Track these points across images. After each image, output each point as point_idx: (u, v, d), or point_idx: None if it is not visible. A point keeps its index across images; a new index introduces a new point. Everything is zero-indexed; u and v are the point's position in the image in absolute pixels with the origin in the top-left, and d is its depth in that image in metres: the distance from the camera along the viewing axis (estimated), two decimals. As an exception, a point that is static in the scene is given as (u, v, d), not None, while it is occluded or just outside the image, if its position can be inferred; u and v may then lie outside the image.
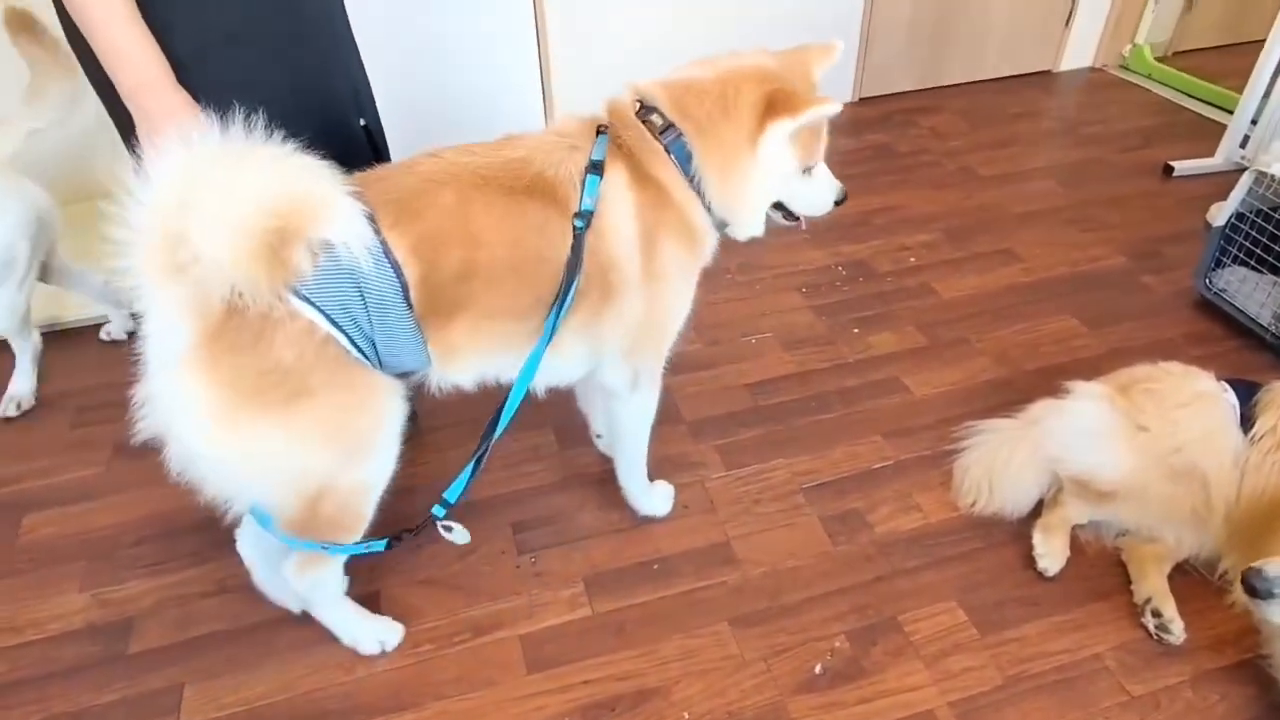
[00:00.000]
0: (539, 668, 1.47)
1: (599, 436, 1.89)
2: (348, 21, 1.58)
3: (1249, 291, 2.17)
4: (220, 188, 1.02)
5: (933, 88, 3.62)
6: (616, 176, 1.30)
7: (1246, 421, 1.58)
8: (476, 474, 1.36)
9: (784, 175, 1.38)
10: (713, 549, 1.68)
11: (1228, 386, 1.64)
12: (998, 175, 2.98)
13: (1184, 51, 3.82)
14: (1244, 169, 2.36)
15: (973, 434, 1.82)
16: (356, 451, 1.27)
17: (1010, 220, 2.72)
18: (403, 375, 1.31)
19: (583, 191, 1.27)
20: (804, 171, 1.39)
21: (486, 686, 1.45)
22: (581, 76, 3.11)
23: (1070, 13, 3.59)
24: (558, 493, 1.80)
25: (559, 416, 1.98)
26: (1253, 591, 1.24)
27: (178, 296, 1.07)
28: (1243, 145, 2.83)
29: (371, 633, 1.51)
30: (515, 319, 1.32)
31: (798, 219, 1.48)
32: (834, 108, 1.29)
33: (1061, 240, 2.60)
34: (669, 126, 1.31)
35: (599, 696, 1.43)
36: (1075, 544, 1.64)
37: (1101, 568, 1.61)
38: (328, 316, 1.14)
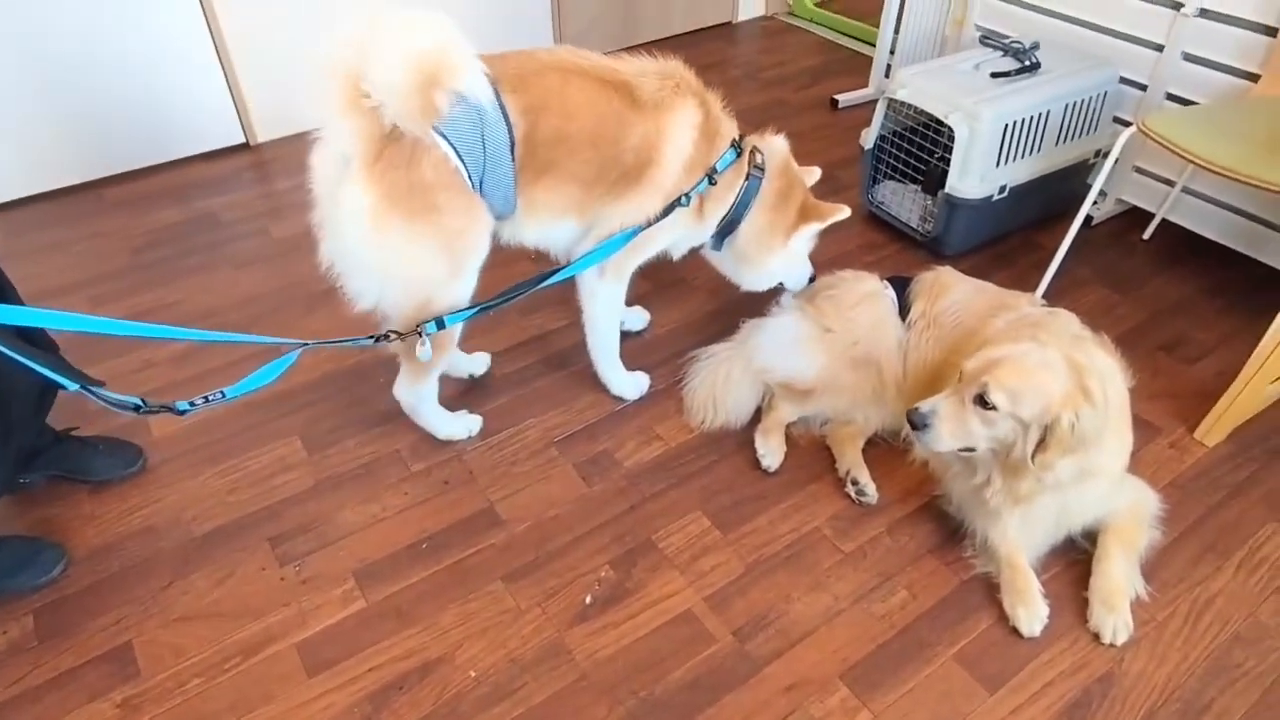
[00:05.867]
0: (320, 669, 1.47)
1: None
2: None
3: (900, 201, 2.57)
4: (391, 38, 1.33)
5: (629, 47, 3.80)
6: (720, 143, 1.75)
7: (904, 310, 1.89)
8: (480, 315, 1.65)
9: (795, 261, 1.93)
10: (478, 516, 1.74)
11: (888, 284, 1.94)
12: (696, 124, 3.23)
13: (838, -5, 4.32)
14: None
15: (695, 361, 2.02)
16: (458, 269, 1.60)
17: (711, 164, 2.97)
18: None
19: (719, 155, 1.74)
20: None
21: (266, 703, 1.42)
22: (266, 61, 2.96)
23: (738, -32, 3.93)
24: (313, 499, 1.78)
25: (301, 424, 1.94)
26: (912, 425, 1.51)
27: (354, 126, 1.38)
28: (886, 75, 3.29)
29: (459, 424, 1.92)
30: (583, 188, 1.64)
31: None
32: (845, 214, 1.90)
33: (755, 177, 2.88)
34: (760, 170, 1.81)
35: (386, 679, 1.46)
36: (790, 439, 1.89)
37: (812, 454, 1.88)
38: (458, 153, 1.47)
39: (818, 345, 1.87)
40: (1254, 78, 2.17)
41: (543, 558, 1.66)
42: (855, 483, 1.76)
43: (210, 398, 1.43)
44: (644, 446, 1.90)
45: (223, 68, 2.88)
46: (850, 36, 3.90)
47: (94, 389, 1.32)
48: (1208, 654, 1.49)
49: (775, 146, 1.87)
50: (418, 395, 1.83)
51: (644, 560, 1.66)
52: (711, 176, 1.73)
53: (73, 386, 1.30)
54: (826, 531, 1.71)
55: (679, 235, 1.83)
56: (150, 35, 2.71)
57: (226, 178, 2.92)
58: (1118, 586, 1.54)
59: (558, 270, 1.71)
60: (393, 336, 1.60)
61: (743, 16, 4.11)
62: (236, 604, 1.58)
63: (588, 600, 1.58)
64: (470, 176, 1.51)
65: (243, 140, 3.07)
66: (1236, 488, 1.79)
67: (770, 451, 1.84)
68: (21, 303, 1.61)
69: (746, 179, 1.79)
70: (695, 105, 1.70)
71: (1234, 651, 1.50)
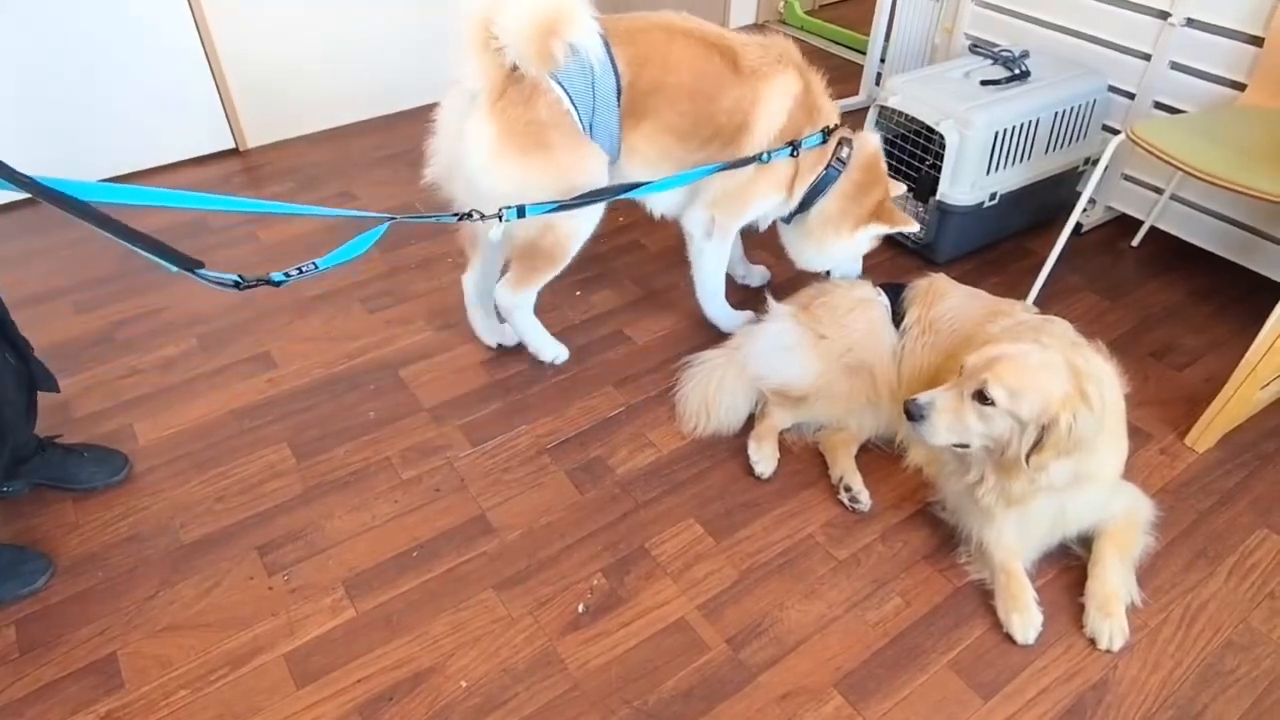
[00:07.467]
0: (308, 680, 1.45)
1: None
2: None
3: (892, 207, 2.56)
4: None
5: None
6: (817, 120, 1.89)
7: (898, 317, 1.89)
8: (567, 210, 1.71)
9: (854, 253, 2.08)
10: (469, 524, 1.73)
11: (881, 291, 1.94)
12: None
13: (828, 4, 4.34)
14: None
15: (688, 367, 2.01)
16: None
17: (702, 171, 2.97)
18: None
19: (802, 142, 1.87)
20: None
21: (253, 715, 1.40)
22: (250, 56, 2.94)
23: (729, -25, 3.94)
24: (302, 506, 1.76)
25: (290, 431, 1.92)
26: (909, 415, 1.51)
27: (482, 64, 1.58)
28: (877, 82, 3.30)
29: (551, 347, 2.09)
30: (678, 139, 1.80)
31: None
32: (914, 228, 2.08)
33: (747, 183, 2.88)
34: (841, 163, 1.93)
35: (376, 690, 1.44)
36: (783, 446, 1.88)
37: (805, 461, 1.87)
38: (570, 97, 1.65)
39: (811, 352, 1.87)
40: (1240, 87, 2.18)
41: (535, 566, 1.64)
42: (849, 489, 1.76)
43: (303, 269, 1.48)
44: (637, 453, 1.89)
45: (212, 72, 2.86)
46: (841, 44, 3.91)
47: (196, 270, 1.34)
48: (1201, 660, 1.49)
49: (867, 143, 1.98)
50: (514, 301, 1.97)
51: (637, 568, 1.64)
52: (795, 148, 1.83)
53: (174, 269, 1.33)
54: (820, 539, 1.70)
55: (772, 205, 1.99)
56: (139, 39, 2.69)
57: (216, 183, 2.90)
58: (1114, 592, 1.54)
59: (644, 184, 1.80)
60: (474, 215, 1.67)
61: (734, 25, 4.11)
62: (224, 614, 1.56)
63: (580, 609, 1.57)
64: (580, 119, 1.68)
65: (232, 145, 3.05)
66: (1227, 494, 1.79)
67: (763, 458, 1.83)
68: (6, 311, 1.59)
69: (826, 169, 1.91)
70: (795, 76, 1.81)
71: (1226, 658, 1.50)
